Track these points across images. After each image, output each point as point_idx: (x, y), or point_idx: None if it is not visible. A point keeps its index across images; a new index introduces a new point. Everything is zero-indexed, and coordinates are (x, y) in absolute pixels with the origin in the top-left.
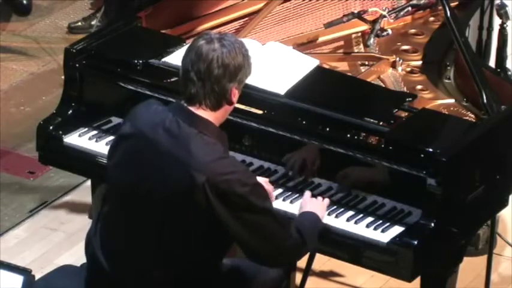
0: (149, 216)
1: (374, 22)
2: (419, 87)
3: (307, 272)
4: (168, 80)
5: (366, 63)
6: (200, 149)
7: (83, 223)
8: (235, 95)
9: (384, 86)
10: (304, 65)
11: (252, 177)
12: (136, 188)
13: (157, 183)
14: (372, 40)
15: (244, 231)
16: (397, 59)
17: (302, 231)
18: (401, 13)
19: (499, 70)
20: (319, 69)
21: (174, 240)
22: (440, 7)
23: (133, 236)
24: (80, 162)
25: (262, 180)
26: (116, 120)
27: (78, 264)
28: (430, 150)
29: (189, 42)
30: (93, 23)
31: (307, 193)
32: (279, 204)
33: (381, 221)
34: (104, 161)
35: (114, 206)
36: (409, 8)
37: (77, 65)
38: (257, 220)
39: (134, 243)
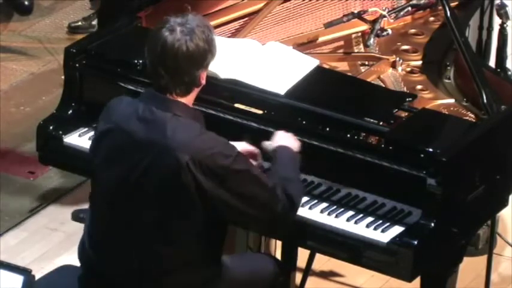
0: (144, 209)
1: (374, 22)
2: (419, 87)
3: (307, 272)
4: None
5: (366, 63)
6: (178, 130)
7: (83, 223)
8: (203, 77)
9: (383, 86)
10: (304, 65)
11: (233, 148)
12: (126, 183)
13: (145, 173)
14: (372, 40)
15: (236, 202)
16: (397, 59)
17: (289, 190)
18: (401, 13)
19: (499, 70)
20: (319, 69)
21: (172, 231)
22: (440, 7)
23: (131, 232)
24: (80, 162)
25: (243, 144)
26: None
27: (78, 264)
28: (430, 150)
29: None
30: (93, 23)
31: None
32: None
33: (381, 221)
34: None
35: (105, 207)
36: (409, 8)
37: (77, 65)
38: (245, 188)
39: (132, 239)
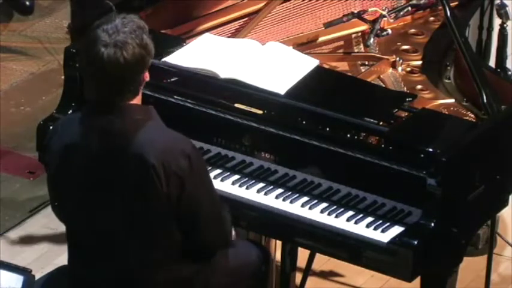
0: (119, 217)
1: (374, 22)
2: (419, 87)
3: (307, 272)
4: (168, 80)
5: (366, 63)
6: (138, 134)
7: None
8: (147, 76)
9: (383, 86)
10: (304, 65)
11: (194, 148)
12: (96, 195)
13: (114, 183)
14: (371, 40)
15: (189, 207)
16: (397, 59)
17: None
18: (401, 13)
19: (499, 70)
20: (319, 69)
21: (150, 234)
22: (440, 7)
23: (109, 240)
24: None
25: None
26: None
27: None
28: (430, 150)
29: (189, 42)
30: None
31: None
32: (279, 204)
33: (381, 221)
34: None
35: (81, 219)
36: (409, 8)
37: (77, 65)
38: (199, 193)
39: (111, 247)
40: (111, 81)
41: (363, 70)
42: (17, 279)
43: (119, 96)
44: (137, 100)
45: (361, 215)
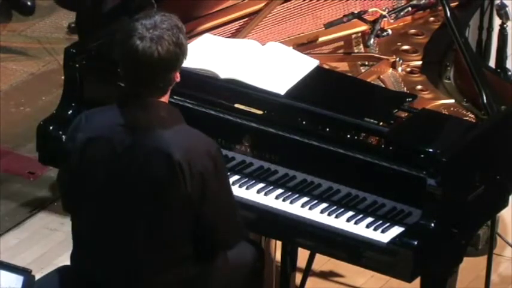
0: (135, 212)
1: (374, 22)
2: (419, 87)
3: (307, 272)
4: None
5: (366, 63)
6: (164, 131)
7: None
8: (178, 77)
9: (383, 86)
10: (304, 65)
11: (219, 150)
12: (115, 189)
13: (135, 178)
14: (372, 40)
15: (209, 206)
16: (397, 59)
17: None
18: (402, 13)
19: (499, 70)
20: (319, 70)
21: (164, 232)
22: (440, 7)
23: (121, 236)
24: None
25: None
26: None
27: None
28: (430, 150)
29: (189, 42)
30: None
31: None
32: (279, 205)
33: (381, 221)
34: None
35: (94, 213)
36: (409, 8)
37: (77, 65)
38: (220, 193)
39: (122, 243)
40: (141, 74)
41: (363, 70)
42: (17, 280)
43: (147, 91)
44: (164, 99)
45: (361, 216)
